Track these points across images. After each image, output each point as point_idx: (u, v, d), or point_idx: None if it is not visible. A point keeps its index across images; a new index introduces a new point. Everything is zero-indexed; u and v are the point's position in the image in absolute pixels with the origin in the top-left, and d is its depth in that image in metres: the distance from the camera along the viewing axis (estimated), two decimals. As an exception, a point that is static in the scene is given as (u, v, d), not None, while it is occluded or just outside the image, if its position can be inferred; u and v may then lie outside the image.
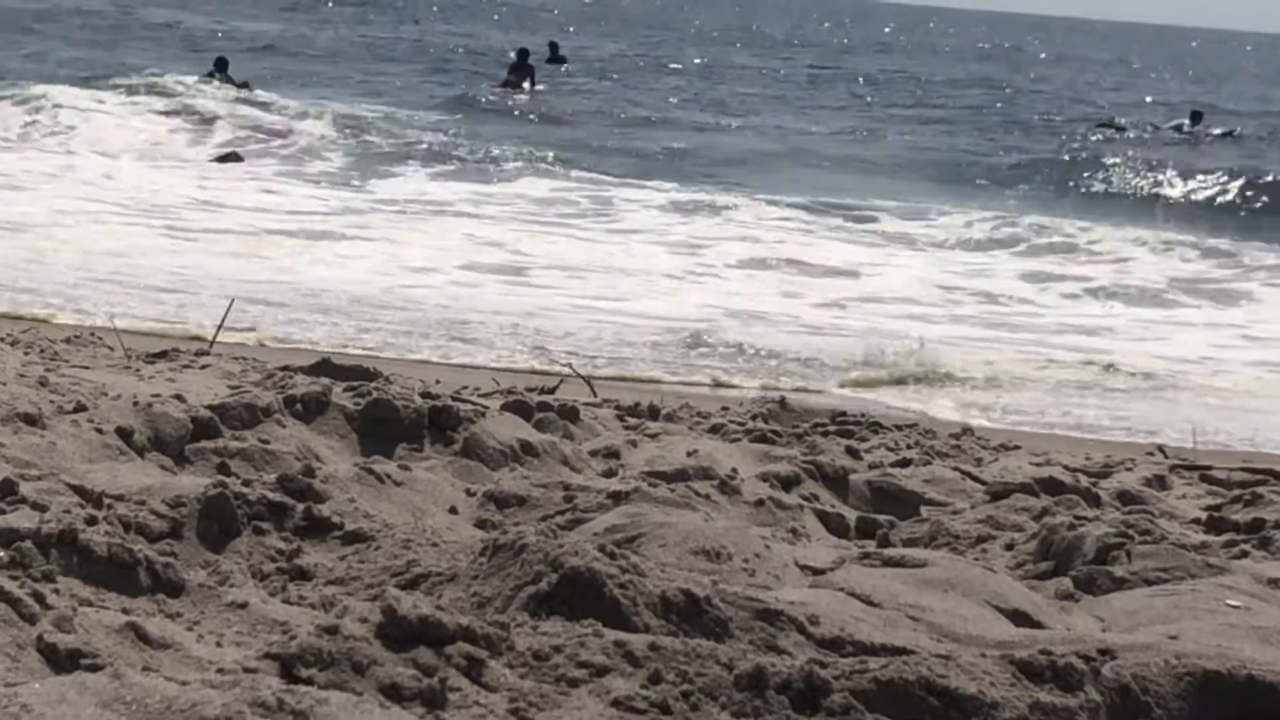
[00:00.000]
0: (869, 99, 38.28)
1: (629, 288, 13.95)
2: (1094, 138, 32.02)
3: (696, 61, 46.97)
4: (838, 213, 19.88)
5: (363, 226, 16.38)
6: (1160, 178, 24.79)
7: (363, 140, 23.67)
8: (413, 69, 36.54)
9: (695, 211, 19.45)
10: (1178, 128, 32.22)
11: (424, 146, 23.74)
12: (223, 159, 22.60)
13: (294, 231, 15.63)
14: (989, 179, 24.71)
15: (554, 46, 36.78)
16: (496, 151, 23.07)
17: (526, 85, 32.68)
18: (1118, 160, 25.78)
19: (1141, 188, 24.59)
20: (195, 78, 27.15)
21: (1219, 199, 23.73)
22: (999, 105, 39.69)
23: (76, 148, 21.35)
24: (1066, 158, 26.91)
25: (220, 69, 27.61)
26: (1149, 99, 44.63)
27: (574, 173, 21.86)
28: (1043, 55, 76.02)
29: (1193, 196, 23.91)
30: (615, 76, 38.75)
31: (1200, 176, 24.61)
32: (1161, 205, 23.35)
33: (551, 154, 23.21)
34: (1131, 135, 32.51)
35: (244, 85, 27.18)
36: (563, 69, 35.49)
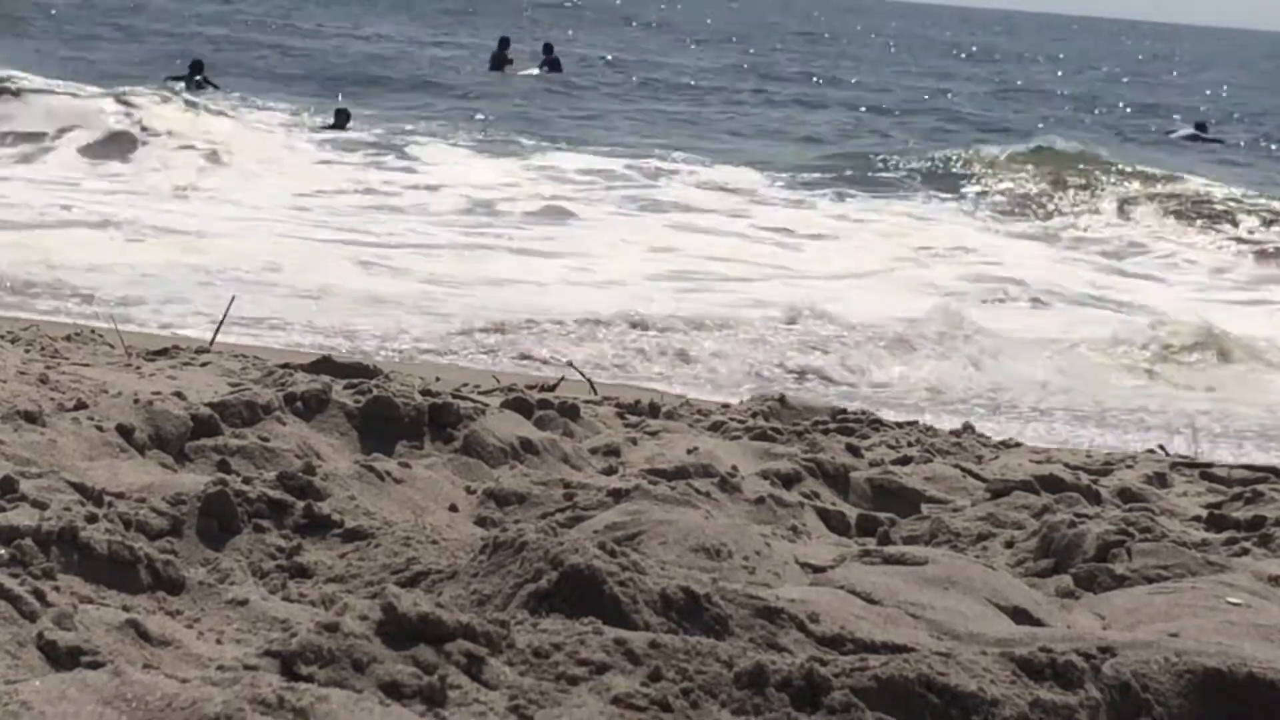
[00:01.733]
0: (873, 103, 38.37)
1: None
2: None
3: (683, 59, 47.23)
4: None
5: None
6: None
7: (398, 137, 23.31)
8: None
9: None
10: (1191, 137, 32.04)
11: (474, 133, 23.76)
12: (336, 121, 22.28)
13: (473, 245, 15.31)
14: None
15: (548, 48, 36.71)
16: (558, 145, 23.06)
17: (507, 69, 33.59)
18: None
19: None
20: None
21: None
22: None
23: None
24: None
25: (196, 72, 26.86)
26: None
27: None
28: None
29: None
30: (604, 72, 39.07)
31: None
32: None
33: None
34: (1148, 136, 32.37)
35: (212, 87, 26.49)
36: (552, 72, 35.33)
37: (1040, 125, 32.88)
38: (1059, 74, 58.15)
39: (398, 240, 15.09)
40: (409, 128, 23.85)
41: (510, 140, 23.39)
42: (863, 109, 34.66)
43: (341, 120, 23.00)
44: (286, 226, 15.47)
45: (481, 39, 46.01)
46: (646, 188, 19.90)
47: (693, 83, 38.84)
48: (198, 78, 26.58)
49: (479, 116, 26.45)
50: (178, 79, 26.59)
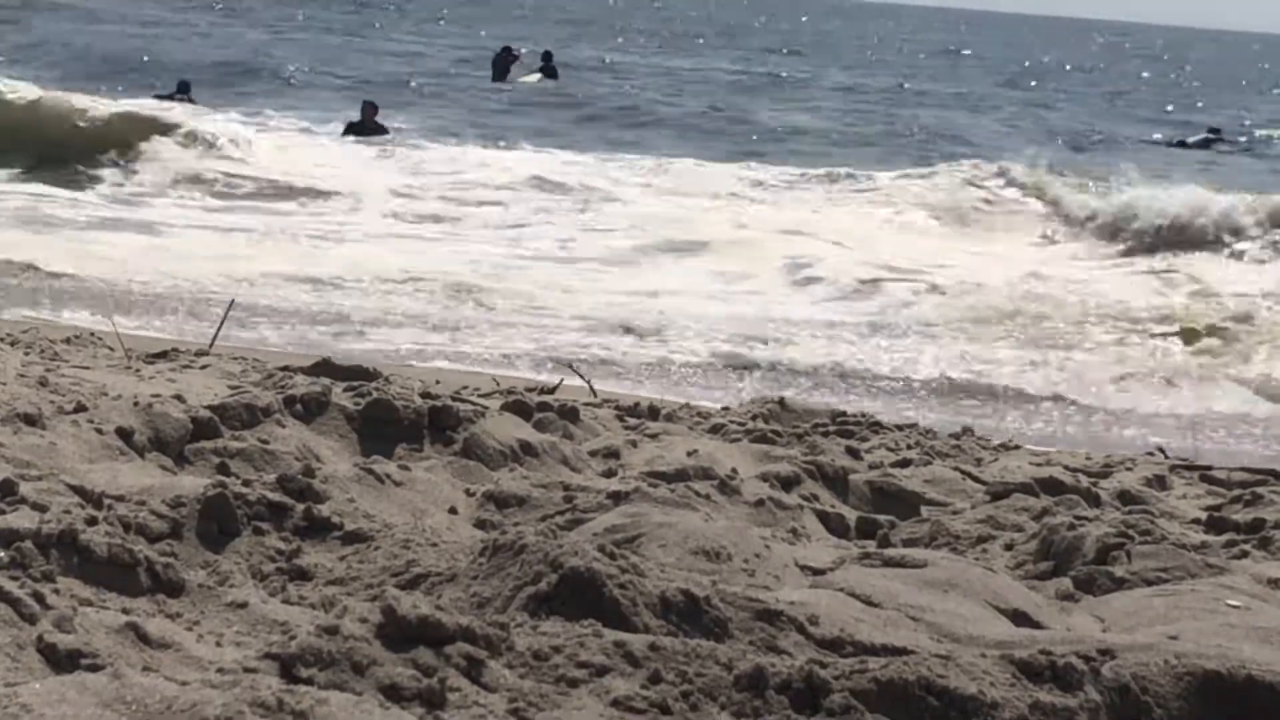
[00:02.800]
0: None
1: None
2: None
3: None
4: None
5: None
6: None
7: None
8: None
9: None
10: (1203, 143, 31.77)
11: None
12: (365, 123, 21.73)
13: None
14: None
15: (547, 56, 36.63)
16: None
17: (509, 77, 33.61)
18: None
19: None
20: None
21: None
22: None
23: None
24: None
25: (183, 91, 26.58)
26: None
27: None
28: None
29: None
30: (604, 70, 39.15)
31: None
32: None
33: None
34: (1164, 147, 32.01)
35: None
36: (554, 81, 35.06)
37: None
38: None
39: (543, 252, 14.99)
40: (433, 133, 23.40)
41: (532, 144, 22.97)
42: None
43: (368, 115, 22.55)
44: (401, 235, 15.46)
45: (465, 40, 45.93)
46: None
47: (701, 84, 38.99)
48: (180, 97, 26.26)
49: (495, 124, 26.10)
50: (161, 99, 26.34)
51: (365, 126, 22.41)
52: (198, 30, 43.33)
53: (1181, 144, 32.21)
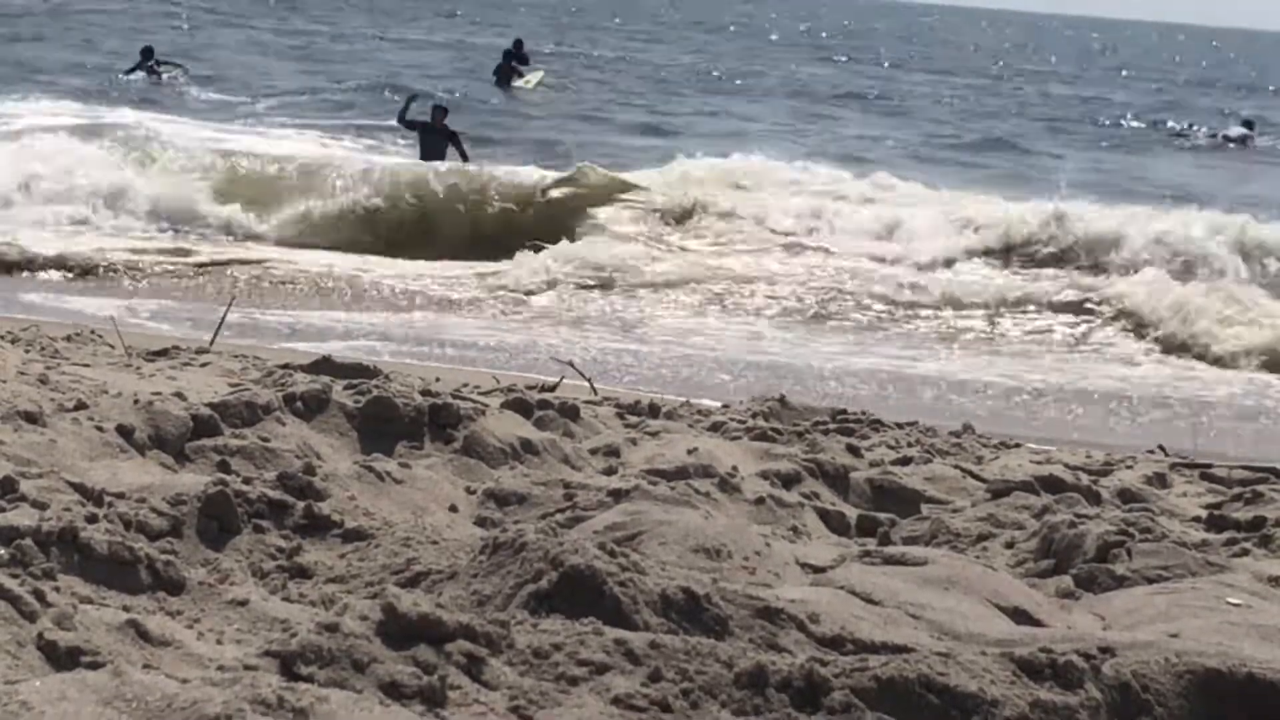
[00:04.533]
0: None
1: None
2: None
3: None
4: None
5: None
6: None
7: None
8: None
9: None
10: (1241, 139, 31.51)
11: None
12: (434, 125, 20.84)
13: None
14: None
15: (518, 44, 36.33)
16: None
17: (515, 80, 33.25)
18: None
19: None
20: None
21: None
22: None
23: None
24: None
25: (148, 58, 26.35)
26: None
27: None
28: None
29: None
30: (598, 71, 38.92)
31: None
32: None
33: None
34: (1203, 141, 31.80)
35: (172, 67, 26.00)
36: (525, 77, 34.46)
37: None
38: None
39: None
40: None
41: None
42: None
43: (438, 119, 21.54)
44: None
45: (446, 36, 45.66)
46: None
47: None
48: (150, 64, 26.20)
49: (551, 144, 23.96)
50: (131, 71, 26.33)
51: (435, 129, 21.28)
52: (178, 27, 42.75)
53: (1225, 138, 31.74)
